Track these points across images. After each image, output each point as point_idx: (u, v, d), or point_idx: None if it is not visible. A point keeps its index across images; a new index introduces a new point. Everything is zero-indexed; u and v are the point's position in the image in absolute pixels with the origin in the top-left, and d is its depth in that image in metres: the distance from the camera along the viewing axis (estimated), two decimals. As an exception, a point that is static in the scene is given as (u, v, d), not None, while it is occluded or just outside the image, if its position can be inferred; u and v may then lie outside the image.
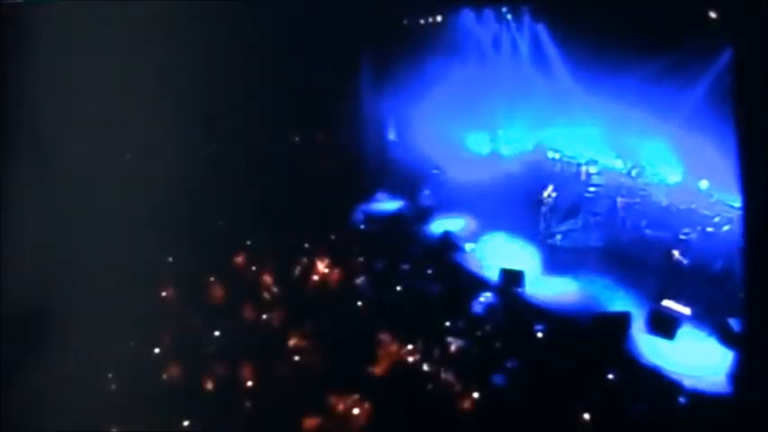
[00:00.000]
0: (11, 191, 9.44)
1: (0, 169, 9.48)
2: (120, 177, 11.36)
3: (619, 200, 11.86)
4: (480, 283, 10.17)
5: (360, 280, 10.51)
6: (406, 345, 8.62)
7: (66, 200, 10.30)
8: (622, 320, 8.36)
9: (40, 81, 9.87)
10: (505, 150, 14.15)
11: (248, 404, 7.95)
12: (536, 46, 13.65)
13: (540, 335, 8.62)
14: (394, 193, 13.56)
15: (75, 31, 9.94)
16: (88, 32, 10.11)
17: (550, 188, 12.21)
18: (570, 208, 12.22)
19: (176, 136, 12.37)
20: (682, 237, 10.21)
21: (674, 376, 7.42)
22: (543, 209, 11.92)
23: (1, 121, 9.76)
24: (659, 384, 7.29)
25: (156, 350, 9.13)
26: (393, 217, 12.93)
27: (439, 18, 13.41)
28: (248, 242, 11.98)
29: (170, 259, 11.44)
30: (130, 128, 11.26)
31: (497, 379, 7.96)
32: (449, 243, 11.39)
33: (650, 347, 8.01)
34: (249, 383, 8.27)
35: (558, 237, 11.51)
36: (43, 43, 9.93)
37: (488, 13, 13.84)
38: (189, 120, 12.30)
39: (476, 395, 7.62)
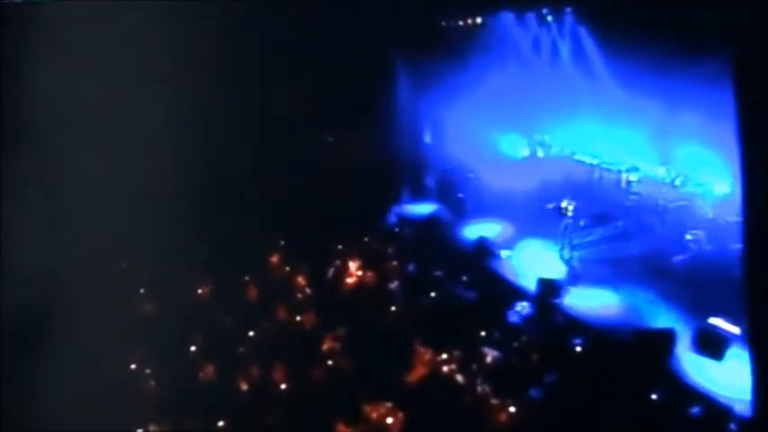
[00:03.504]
0: (11, 191, 9.55)
1: (0, 169, 9.57)
2: (131, 177, 11.39)
3: (660, 209, 11.52)
4: (516, 292, 9.98)
5: (393, 284, 10.45)
6: (441, 353, 8.50)
7: (73, 199, 10.41)
8: (666, 338, 8.07)
9: (40, 81, 9.94)
10: (542, 155, 13.90)
11: (282, 407, 7.95)
12: (577, 48, 13.34)
13: (578, 348, 8.40)
14: (428, 196, 13.47)
15: (75, 31, 10.01)
16: (88, 32, 10.17)
17: (586, 195, 11.95)
18: (609, 216, 11.93)
19: (210, 135, 12.51)
20: (730, 251, 9.82)
21: (723, 400, 7.12)
22: (579, 216, 11.65)
23: (1, 120, 9.85)
24: (707, 408, 7.00)
25: (192, 348, 9.22)
26: (427, 220, 12.83)
27: (479, 20, 13.17)
28: (282, 242, 12.05)
29: (203, 257, 11.59)
30: (138, 127, 11.25)
31: (534, 393, 7.77)
32: (484, 249, 11.21)
33: (696, 368, 7.71)
34: (283, 386, 8.26)
35: (595, 245, 11.23)
36: (43, 43, 10.04)
37: (529, 15, 13.59)
38: (217, 119, 12.41)
39: (512, 409, 7.47)
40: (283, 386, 8.23)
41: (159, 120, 11.04)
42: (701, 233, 10.34)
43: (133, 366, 8.81)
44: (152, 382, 8.54)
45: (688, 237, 10.55)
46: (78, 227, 10.35)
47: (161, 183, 11.48)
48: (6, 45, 9.91)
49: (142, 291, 10.76)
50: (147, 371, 8.75)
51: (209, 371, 8.65)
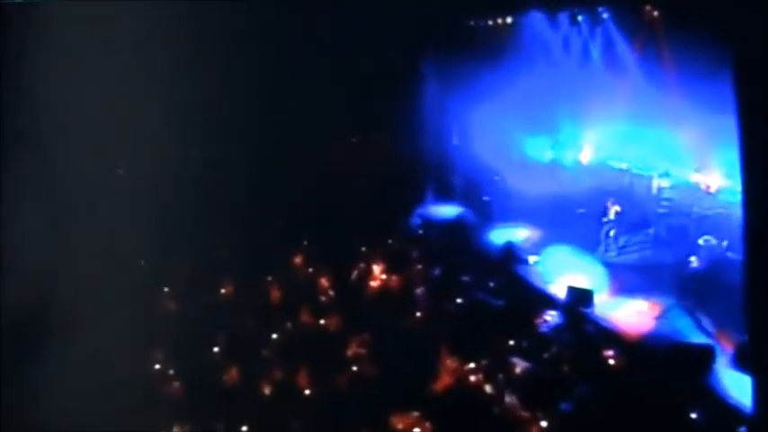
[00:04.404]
0: (11, 191, 9.52)
1: (0, 169, 9.56)
2: (145, 177, 11.44)
3: (695, 217, 11.16)
4: (545, 301, 9.73)
5: (418, 289, 10.26)
6: (468, 362, 8.30)
7: (83, 199, 10.43)
8: (705, 353, 7.77)
9: (40, 81, 9.93)
10: (572, 159, 13.57)
11: (306, 413, 7.81)
12: (609, 49, 12.98)
13: (611, 361, 8.13)
14: (453, 198, 13.23)
15: (75, 31, 9.98)
16: (88, 32, 10.16)
17: (616, 200, 11.64)
18: (640, 223, 11.62)
19: (232, 135, 12.46)
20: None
21: None
22: (610, 222, 11.36)
23: (1, 120, 9.83)
24: (752, 429, 6.70)
25: (216, 350, 9.14)
26: (452, 223, 12.60)
27: (509, 19, 12.89)
28: (305, 242, 11.93)
29: (226, 257, 11.52)
30: (150, 127, 11.21)
31: (565, 407, 7.54)
32: (511, 254, 10.98)
33: (738, 385, 7.40)
34: (307, 392, 8.13)
35: (628, 253, 10.94)
36: (43, 43, 10.00)
37: (559, 14, 13.26)
38: (238, 120, 12.34)
39: (543, 424, 7.24)
40: (307, 392, 8.09)
41: (172, 120, 11.02)
42: (739, 244, 9.94)
43: (157, 367, 8.74)
44: (175, 384, 8.46)
45: (725, 246, 10.21)
46: (94, 227, 10.33)
47: (179, 182, 11.51)
48: (6, 45, 9.92)
49: (166, 289, 10.70)
50: (171, 372, 8.68)
51: (232, 374, 8.55)
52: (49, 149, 10.42)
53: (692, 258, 9.87)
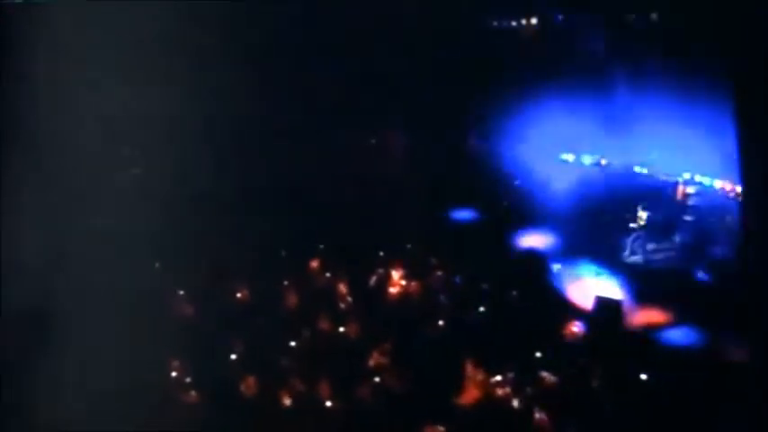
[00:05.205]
0: (11, 191, 9.27)
1: (1, 169, 9.37)
2: (154, 178, 11.32)
3: (725, 225, 10.87)
4: (572, 310, 9.45)
5: (439, 296, 10.01)
6: (494, 375, 8.02)
7: (92, 200, 10.22)
8: (744, 367, 7.46)
9: (41, 81, 9.76)
10: (595, 163, 13.28)
11: (328, 426, 7.57)
12: (636, 53, 12.70)
13: (644, 376, 7.84)
14: (473, 202, 12.95)
15: (75, 31, 9.80)
16: (88, 33, 9.95)
17: (644, 206, 11.36)
18: (666, 229, 11.35)
19: (243, 135, 12.26)
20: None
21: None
22: (637, 229, 11.08)
23: (1, 121, 9.65)
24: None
25: (233, 357, 8.90)
26: (472, 228, 12.34)
27: (533, 21, 12.62)
28: (321, 246, 11.69)
29: (241, 259, 11.28)
30: (160, 128, 11.00)
31: (596, 423, 7.26)
32: (535, 262, 10.70)
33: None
34: (328, 403, 7.88)
35: (655, 261, 10.66)
36: (43, 43, 9.82)
37: (585, 18, 12.98)
38: (251, 120, 12.13)
39: (575, 440, 6.98)
40: (329, 403, 7.83)
41: (182, 121, 10.94)
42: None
43: (174, 374, 8.51)
44: (192, 393, 8.23)
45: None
46: (105, 227, 10.19)
47: (188, 183, 11.35)
48: (6, 45, 9.74)
49: (181, 293, 10.48)
50: (187, 379, 8.45)
51: (249, 383, 8.29)
52: (49, 150, 10.24)
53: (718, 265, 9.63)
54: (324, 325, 9.44)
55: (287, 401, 7.99)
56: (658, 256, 10.97)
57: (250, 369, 8.45)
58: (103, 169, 10.89)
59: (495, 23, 12.98)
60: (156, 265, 11.13)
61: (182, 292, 10.40)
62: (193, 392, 8.25)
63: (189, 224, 10.75)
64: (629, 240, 10.94)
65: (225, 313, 9.92)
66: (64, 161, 10.19)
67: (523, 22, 12.68)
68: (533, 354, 8.35)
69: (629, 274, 10.19)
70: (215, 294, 10.31)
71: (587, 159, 13.58)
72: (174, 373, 8.54)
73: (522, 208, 12.45)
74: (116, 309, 8.91)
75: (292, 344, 9.05)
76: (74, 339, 8.13)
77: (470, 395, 7.78)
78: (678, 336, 8.70)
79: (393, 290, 10.37)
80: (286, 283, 10.41)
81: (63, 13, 9.87)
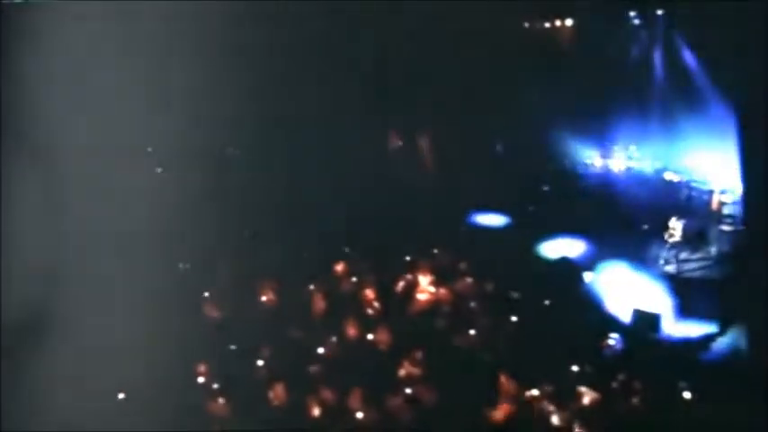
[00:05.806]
0: (11, 192, 9.33)
1: (0, 169, 9.36)
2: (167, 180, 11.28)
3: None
4: (608, 322, 9.17)
5: (469, 304, 9.76)
6: (529, 389, 7.79)
7: (103, 201, 10.25)
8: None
9: (40, 81, 9.72)
10: (628, 169, 12.94)
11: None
12: (670, 55, 12.36)
13: (687, 394, 7.55)
14: (502, 207, 12.68)
15: (75, 31, 9.77)
16: (89, 33, 9.93)
17: (678, 215, 11.03)
18: (701, 239, 10.99)
19: (267, 138, 12.12)
20: None
21: None
22: (672, 238, 10.76)
23: (1, 121, 9.63)
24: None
25: (259, 363, 8.76)
26: (500, 234, 12.07)
27: (568, 22, 12.31)
28: (347, 249, 11.49)
29: (267, 262, 11.14)
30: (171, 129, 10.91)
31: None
32: (567, 270, 10.41)
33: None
34: (359, 414, 7.69)
35: (691, 271, 10.33)
36: (43, 43, 9.79)
37: (618, 18, 12.64)
38: (275, 123, 11.98)
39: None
40: (360, 414, 7.64)
41: (198, 119, 10.90)
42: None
43: (201, 380, 8.38)
44: (220, 400, 8.09)
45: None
46: (126, 229, 10.11)
47: (213, 183, 11.25)
48: (6, 45, 9.73)
49: (206, 294, 10.37)
50: (215, 386, 8.31)
51: (278, 390, 8.14)
52: (49, 150, 10.19)
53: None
54: (352, 331, 9.27)
55: (315, 411, 7.84)
56: (693, 266, 10.61)
57: (277, 375, 8.33)
58: (105, 169, 10.83)
59: (527, 24, 12.66)
60: (180, 266, 11.07)
61: (206, 294, 10.33)
62: (221, 399, 8.14)
63: (213, 226, 10.67)
64: (664, 248, 10.62)
65: (250, 317, 9.82)
66: (64, 161, 10.19)
67: (557, 23, 12.35)
68: (569, 367, 8.09)
69: (665, 285, 9.87)
70: (241, 297, 10.21)
71: (619, 164, 13.26)
72: (200, 379, 8.44)
73: (552, 214, 12.15)
74: (139, 310, 8.87)
75: (320, 350, 8.91)
76: (92, 341, 8.12)
77: (505, 409, 7.57)
78: (719, 348, 8.43)
79: (421, 296, 10.14)
80: (312, 287, 10.27)
81: (63, 13, 9.87)
